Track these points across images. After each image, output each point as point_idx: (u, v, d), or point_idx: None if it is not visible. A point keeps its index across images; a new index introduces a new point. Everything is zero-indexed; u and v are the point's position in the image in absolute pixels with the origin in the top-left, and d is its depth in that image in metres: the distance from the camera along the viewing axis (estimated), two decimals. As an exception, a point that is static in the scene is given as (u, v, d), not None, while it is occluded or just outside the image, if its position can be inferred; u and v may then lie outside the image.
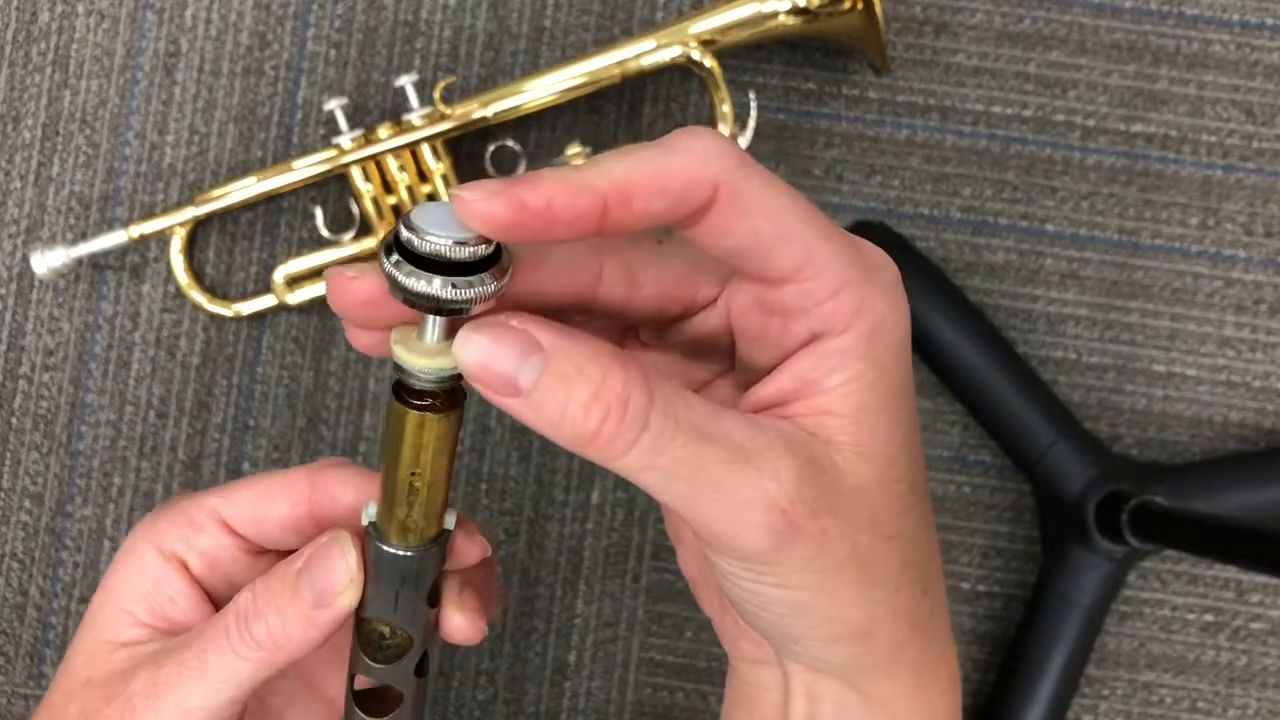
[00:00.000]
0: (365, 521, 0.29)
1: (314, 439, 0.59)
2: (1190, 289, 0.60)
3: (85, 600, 0.59)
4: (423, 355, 0.25)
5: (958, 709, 0.30)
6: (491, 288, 0.24)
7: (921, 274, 0.58)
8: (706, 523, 0.25)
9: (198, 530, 0.32)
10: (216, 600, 0.33)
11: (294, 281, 0.58)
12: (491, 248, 0.24)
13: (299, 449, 0.59)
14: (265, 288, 0.59)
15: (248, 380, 0.60)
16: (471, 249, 0.24)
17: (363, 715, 0.31)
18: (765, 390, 0.26)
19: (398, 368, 0.26)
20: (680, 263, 0.28)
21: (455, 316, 0.25)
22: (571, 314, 0.28)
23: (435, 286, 0.24)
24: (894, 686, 0.28)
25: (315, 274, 0.58)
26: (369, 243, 0.57)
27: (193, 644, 0.30)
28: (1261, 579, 0.59)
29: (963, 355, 0.57)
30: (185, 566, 0.32)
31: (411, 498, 0.27)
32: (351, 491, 0.31)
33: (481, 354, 0.23)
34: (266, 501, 0.32)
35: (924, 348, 0.58)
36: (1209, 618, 0.59)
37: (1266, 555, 0.43)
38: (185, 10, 0.61)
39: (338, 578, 0.29)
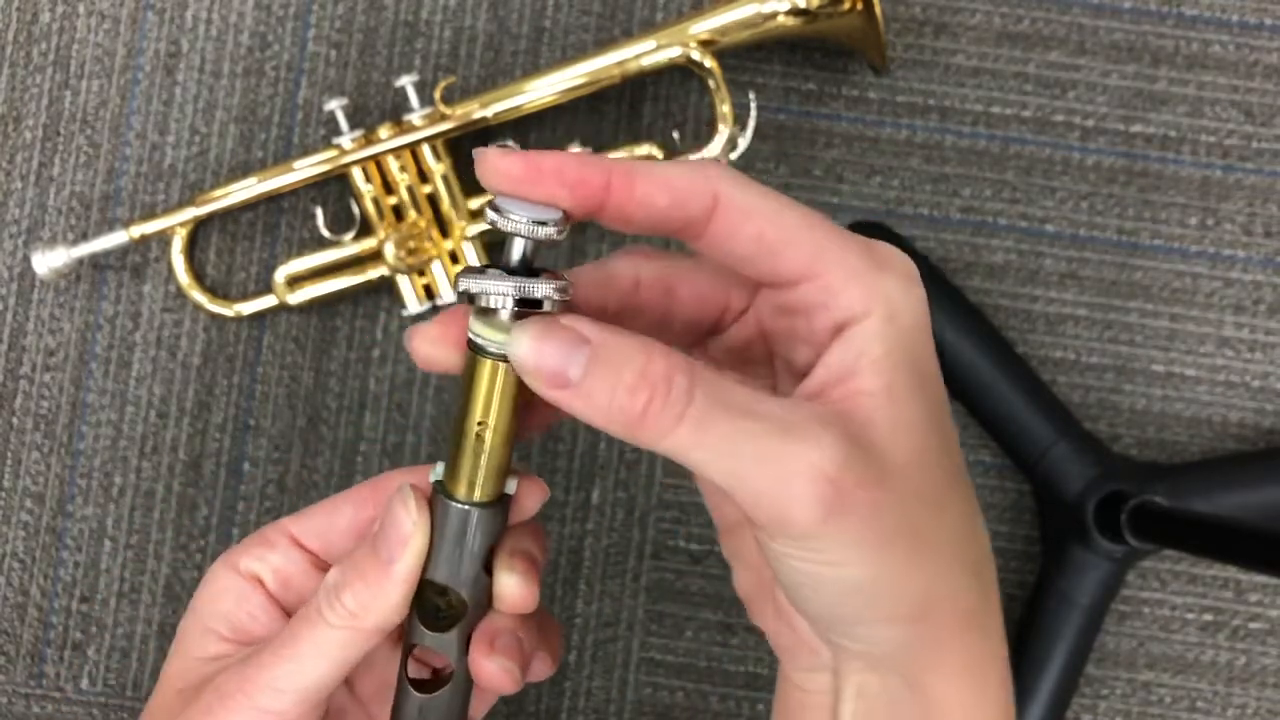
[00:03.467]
0: (432, 479, 0.31)
1: (314, 439, 0.60)
2: (1189, 289, 0.60)
3: (86, 600, 0.59)
4: (497, 330, 0.28)
5: (1010, 716, 0.30)
6: (559, 285, 0.27)
7: (921, 274, 0.58)
8: (756, 498, 0.25)
9: (270, 548, 0.34)
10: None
11: (294, 282, 0.58)
12: (562, 234, 0.27)
13: (299, 449, 0.60)
14: (266, 288, 0.59)
15: (248, 380, 0.60)
16: (547, 230, 0.27)
17: (414, 691, 0.31)
18: (806, 387, 0.28)
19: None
20: (711, 272, 0.30)
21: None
22: (621, 321, 0.30)
23: (510, 286, 0.27)
24: (946, 683, 0.28)
25: (316, 274, 0.58)
26: (369, 243, 0.57)
27: (285, 630, 0.31)
28: (1260, 579, 0.59)
29: (963, 355, 0.57)
30: (261, 584, 0.34)
31: (478, 448, 0.29)
32: (411, 482, 0.32)
33: (532, 350, 0.26)
34: (332, 511, 0.34)
35: (924, 348, 0.58)
36: (1208, 617, 0.59)
37: (1265, 555, 0.43)
38: (186, 11, 0.61)
39: (403, 525, 0.30)
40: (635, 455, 0.59)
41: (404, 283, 0.57)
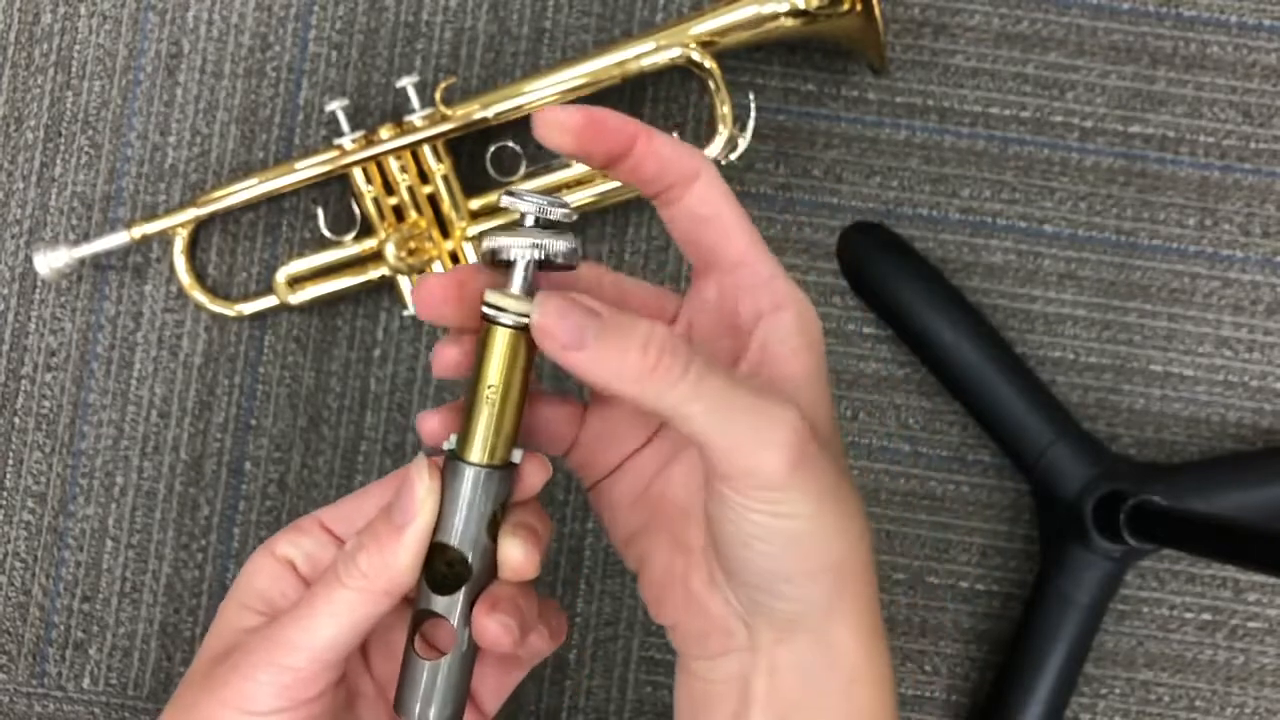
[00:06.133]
0: (446, 448, 0.33)
1: (315, 438, 0.60)
2: (1188, 289, 0.60)
3: (88, 599, 0.59)
4: (510, 300, 0.31)
5: (889, 662, 0.34)
6: (572, 245, 0.32)
7: (921, 275, 0.58)
8: (736, 446, 0.29)
9: (302, 534, 0.37)
10: None
11: (295, 282, 0.58)
12: (572, 218, 0.32)
13: (300, 449, 0.60)
14: (267, 288, 0.60)
15: (249, 380, 0.60)
16: (560, 210, 0.31)
17: (418, 656, 0.33)
18: (742, 367, 0.33)
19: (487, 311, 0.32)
20: (653, 290, 0.36)
21: (539, 272, 0.32)
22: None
23: (530, 235, 0.31)
24: (847, 631, 0.32)
25: (317, 274, 0.58)
26: (370, 243, 0.57)
27: (305, 594, 0.34)
28: (1259, 578, 0.59)
29: (962, 355, 0.57)
30: (294, 567, 0.36)
31: (488, 411, 0.32)
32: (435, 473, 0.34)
33: (555, 314, 0.29)
34: (360, 501, 0.37)
35: (923, 348, 0.58)
36: (1206, 616, 0.59)
37: (1264, 554, 0.43)
38: (187, 12, 0.61)
39: (416, 490, 0.32)
40: (635, 455, 0.60)
41: (405, 283, 0.57)
